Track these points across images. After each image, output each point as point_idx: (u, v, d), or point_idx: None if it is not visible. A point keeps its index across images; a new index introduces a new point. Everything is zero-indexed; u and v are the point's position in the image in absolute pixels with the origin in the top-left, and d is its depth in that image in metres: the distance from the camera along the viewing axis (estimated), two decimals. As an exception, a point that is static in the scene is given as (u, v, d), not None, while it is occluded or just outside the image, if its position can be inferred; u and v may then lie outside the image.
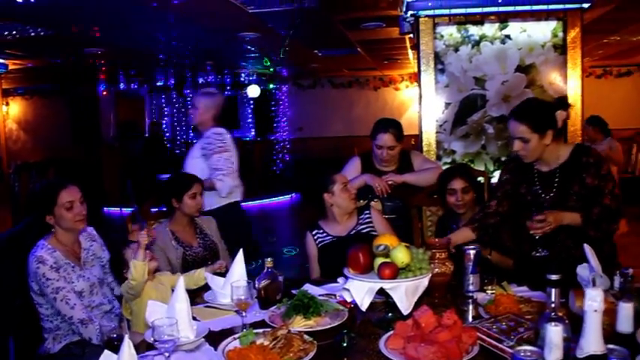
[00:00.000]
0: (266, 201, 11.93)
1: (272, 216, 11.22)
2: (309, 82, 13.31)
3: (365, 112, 13.26)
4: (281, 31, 6.98)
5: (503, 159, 5.11)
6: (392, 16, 6.30)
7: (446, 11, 4.94)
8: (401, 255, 2.10)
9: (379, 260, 2.14)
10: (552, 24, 4.97)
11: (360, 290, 2.11)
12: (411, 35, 5.86)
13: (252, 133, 13.00)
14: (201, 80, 12.07)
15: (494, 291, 2.42)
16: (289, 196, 12.60)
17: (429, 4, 4.89)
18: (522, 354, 1.29)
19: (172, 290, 2.34)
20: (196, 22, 6.49)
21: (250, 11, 5.99)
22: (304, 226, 3.42)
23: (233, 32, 7.17)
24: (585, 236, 2.60)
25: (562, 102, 2.85)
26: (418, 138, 5.16)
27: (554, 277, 1.43)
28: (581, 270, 2.28)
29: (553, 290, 1.43)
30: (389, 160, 3.70)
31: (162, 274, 2.83)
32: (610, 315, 1.69)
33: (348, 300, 2.27)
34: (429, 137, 5.12)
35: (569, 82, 5.00)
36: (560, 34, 4.98)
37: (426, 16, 4.99)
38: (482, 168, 4.94)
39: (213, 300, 2.55)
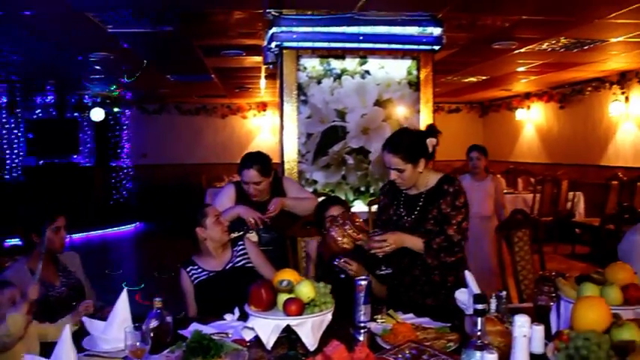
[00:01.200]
0: (108, 231, 11.34)
1: (114, 247, 10.65)
2: (156, 106, 12.92)
3: (212, 140, 13.16)
4: (138, 53, 6.72)
5: (362, 189, 5.30)
6: (252, 45, 6.33)
7: (309, 44, 5.07)
8: (306, 290, 2.08)
9: (283, 296, 2.09)
10: (408, 62, 5.30)
11: (265, 328, 2.05)
12: (271, 66, 5.92)
13: (93, 159, 12.26)
14: (39, 100, 11.20)
15: (384, 320, 2.48)
16: (133, 225, 12.09)
17: (294, 36, 4.99)
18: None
19: (39, 340, 2.17)
20: (46, 37, 6.02)
21: (109, 31, 5.70)
22: (152, 256, 3.26)
23: (85, 51, 6.77)
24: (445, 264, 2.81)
25: (432, 130, 3.00)
26: (280, 168, 5.18)
27: (480, 306, 1.50)
28: (460, 294, 2.39)
29: (479, 319, 1.50)
30: (257, 194, 3.65)
31: None
32: (504, 336, 1.82)
33: (247, 338, 2.19)
34: (291, 167, 5.17)
35: (422, 117, 5.33)
36: (415, 72, 5.31)
37: (290, 47, 5.07)
38: (342, 198, 5.06)
39: (93, 347, 2.30)
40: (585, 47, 6.87)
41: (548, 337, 1.75)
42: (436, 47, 5.30)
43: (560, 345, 1.48)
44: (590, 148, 10.18)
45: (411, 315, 2.62)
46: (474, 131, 14.36)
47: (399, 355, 1.95)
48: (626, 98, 9.11)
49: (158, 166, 12.85)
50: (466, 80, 9.97)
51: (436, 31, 5.21)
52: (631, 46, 6.90)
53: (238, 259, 3.18)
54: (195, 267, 3.14)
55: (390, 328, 2.31)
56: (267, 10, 4.92)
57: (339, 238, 2.75)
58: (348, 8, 4.91)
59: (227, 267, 3.15)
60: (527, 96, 12.03)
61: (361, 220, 2.83)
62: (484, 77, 9.64)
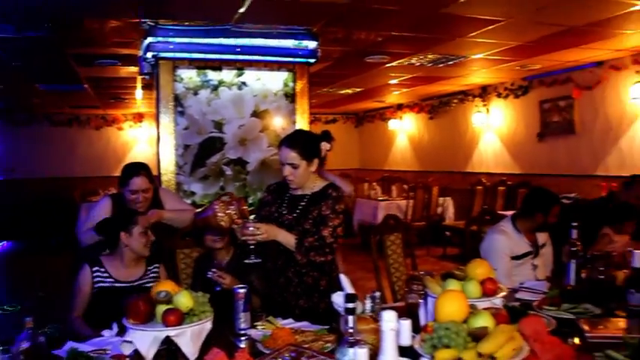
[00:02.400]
0: (-30, 251, 10.51)
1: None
2: (25, 117, 12.14)
3: (86, 153, 12.57)
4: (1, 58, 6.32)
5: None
6: (128, 55, 6.17)
7: (186, 55, 5.04)
8: (184, 300, 2.09)
9: (162, 307, 2.08)
10: (284, 74, 5.41)
11: (144, 341, 2.03)
12: (147, 77, 5.81)
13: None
14: None
15: (264, 326, 2.53)
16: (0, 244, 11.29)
17: (170, 46, 4.94)
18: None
19: None
20: None
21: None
22: (23, 276, 3.10)
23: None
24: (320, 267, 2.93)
25: (326, 135, 3.13)
26: (157, 179, 5.09)
27: (350, 305, 1.60)
28: (337, 297, 2.50)
29: (350, 317, 1.60)
30: (145, 203, 3.58)
31: None
32: (377, 334, 1.93)
33: (126, 353, 2.16)
34: (169, 179, 5.09)
35: (298, 128, 5.44)
36: (291, 84, 5.42)
37: (167, 58, 5.02)
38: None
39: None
40: (450, 62, 7.36)
41: (419, 331, 1.89)
42: (311, 60, 5.44)
43: (426, 336, 1.61)
44: (456, 156, 10.87)
45: (290, 320, 2.69)
46: (350, 141, 14.82)
47: (279, 358, 2.01)
48: (487, 110, 9.84)
49: (28, 180, 12.08)
50: (342, 92, 10.30)
51: (311, 44, 5.36)
52: (489, 63, 7.48)
53: (149, 280, 3.11)
54: (102, 270, 3.05)
55: (269, 333, 2.36)
56: (143, 20, 4.84)
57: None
58: (225, 20, 4.93)
59: (135, 283, 3.07)
60: (400, 107, 12.61)
61: (247, 209, 2.88)
62: (359, 89, 10.00)
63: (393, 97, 11.45)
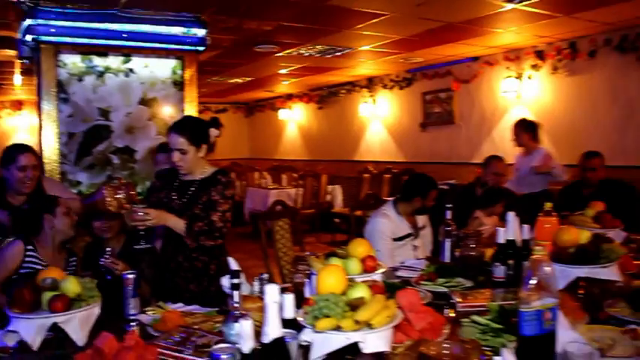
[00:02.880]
0: None
1: None
2: None
3: (-42, 142, 11.74)
4: None
5: (130, 190, 5.22)
6: (5, 37, 5.83)
7: (69, 39, 4.86)
8: (71, 286, 2.08)
9: (48, 294, 2.06)
10: (172, 62, 5.35)
11: (29, 329, 2.00)
12: (27, 61, 5.54)
13: None
14: None
15: (154, 311, 2.55)
16: None
17: (52, 30, 4.74)
18: (220, 351, 1.48)
19: None
20: None
21: None
22: None
23: None
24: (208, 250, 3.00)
25: (214, 121, 3.16)
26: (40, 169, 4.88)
27: (235, 280, 1.69)
28: (225, 280, 2.58)
29: (235, 292, 1.69)
30: (32, 182, 3.47)
31: None
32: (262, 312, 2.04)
33: (10, 344, 2.11)
34: (53, 168, 4.91)
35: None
36: (179, 72, 5.38)
37: (49, 42, 4.81)
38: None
39: None
40: (337, 54, 7.57)
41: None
42: (200, 48, 5.41)
43: (308, 308, 1.72)
44: (345, 145, 11.19)
45: (180, 304, 2.73)
46: (240, 131, 14.83)
47: (169, 340, 2.05)
48: (374, 100, 10.21)
49: None
50: (232, 81, 10.28)
51: (200, 32, 5.34)
52: (376, 55, 7.77)
53: (69, 271, 3.02)
54: (34, 252, 3.00)
55: (159, 317, 2.40)
56: (22, 0, 4.61)
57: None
58: (111, 4, 4.80)
59: None
60: (289, 97, 12.77)
61: (136, 195, 2.89)
62: (249, 78, 10.03)
63: (283, 87, 11.58)
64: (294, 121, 12.97)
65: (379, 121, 10.22)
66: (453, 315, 2.39)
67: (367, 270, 2.37)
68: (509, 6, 5.20)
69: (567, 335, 1.76)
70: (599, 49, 6.53)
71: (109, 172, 5.14)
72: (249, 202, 9.96)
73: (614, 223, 3.34)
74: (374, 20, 5.69)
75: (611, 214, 3.52)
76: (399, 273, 3.28)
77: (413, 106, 9.40)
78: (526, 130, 5.81)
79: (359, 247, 2.45)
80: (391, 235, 3.84)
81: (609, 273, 2.39)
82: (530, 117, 7.38)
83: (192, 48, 5.38)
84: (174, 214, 2.94)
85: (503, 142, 7.83)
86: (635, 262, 3.16)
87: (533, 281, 1.71)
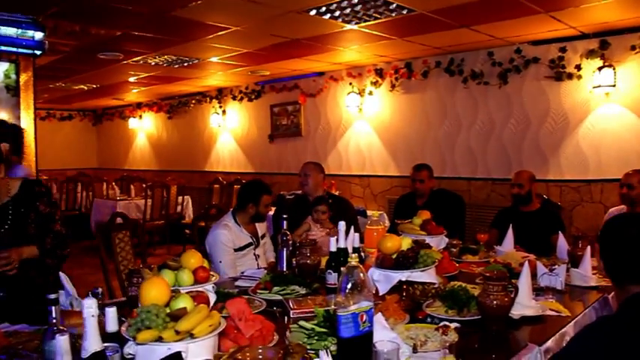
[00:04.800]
0: None
1: None
2: None
3: None
4: None
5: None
6: None
7: None
8: None
9: None
10: (5, 65, 5.03)
11: None
12: None
13: None
14: None
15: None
16: None
17: None
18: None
19: None
20: None
21: None
22: None
23: None
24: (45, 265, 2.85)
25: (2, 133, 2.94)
26: None
27: (52, 296, 1.67)
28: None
29: (53, 308, 1.66)
30: None
31: None
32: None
33: None
34: None
35: (22, 123, 5.13)
36: (13, 76, 5.07)
37: None
38: None
39: None
40: (185, 64, 7.51)
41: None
42: (38, 52, 5.14)
43: (131, 321, 1.73)
44: (195, 156, 11.11)
45: (6, 324, 2.59)
46: (87, 139, 14.20)
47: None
48: (224, 112, 10.23)
49: None
50: (77, 87, 9.80)
51: (38, 34, 5.07)
52: (224, 67, 7.81)
53: None
54: None
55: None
56: None
57: None
58: None
59: None
60: (139, 106, 12.42)
61: None
62: (94, 85, 9.63)
63: (133, 96, 11.24)
64: (144, 130, 12.62)
65: (228, 132, 10.27)
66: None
67: (199, 281, 2.42)
68: (349, 27, 5.50)
69: (384, 335, 1.91)
70: (431, 70, 7.09)
71: None
72: (96, 214, 9.52)
73: (438, 230, 3.63)
74: (220, 33, 5.73)
75: (442, 220, 3.85)
76: (238, 283, 3.34)
77: (261, 118, 9.55)
78: None
79: (191, 259, 2.49)
80: (232, 246, 3.88)
81: (427, 276, 2.63)
82: (370, 131, 7.85)
83: (29, 51, 5.09)
84: (4, 245, 2.71)
85: (347, 155, 8.21)
86: (456, 265, 3.51)
87: (349, 286, 1.85)
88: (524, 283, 2.53)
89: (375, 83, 7.72)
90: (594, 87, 5.75)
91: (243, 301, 2.25)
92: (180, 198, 9.69)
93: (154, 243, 9.39)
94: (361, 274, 1.87)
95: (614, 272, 1.88)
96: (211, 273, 2.55)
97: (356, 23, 5.40)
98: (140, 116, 12.56)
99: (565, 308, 2.57)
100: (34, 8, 4.86)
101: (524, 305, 2.47)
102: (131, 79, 8.97)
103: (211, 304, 2.44)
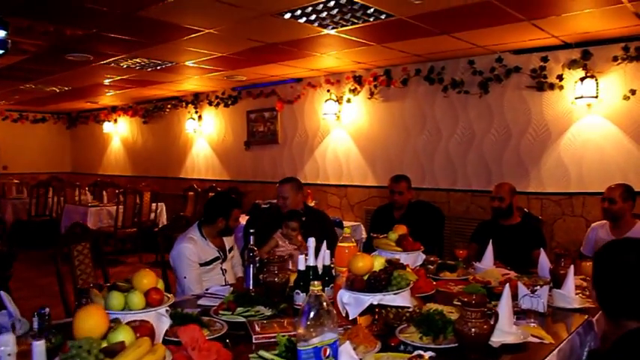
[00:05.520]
0: None
1: None
2: None
3: None
4: None
5: None
6: None
7: None
8: None
9: None
10: (-38, 66, 4.78)
11: None
12: None
13: None
14: None
15: None
16: None
17: None
18: None
19: None
20: None
21: None
22: None
23: None
24: None
25: None
26: None
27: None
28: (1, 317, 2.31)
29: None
30: None
31: None
32: (27, 356, 1.79)
33: None
34: None
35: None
36: (-29, 77, 4.83)
37: None
38: None
39: None
40: (159, 68, 7.28)
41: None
42: (0, 51, 4.90)
43: (62, 355, 1.52)
44: (170, 162, 10.86)
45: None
46: (61, 143, 13.93)
47: None
48: (200, 117, 10.00)
49: None
50: (48, 89, 9.50)
51: (0, 33, 4.82)
52: (200, 71, 7.59)
53: None
54: None
55: None
56: None
57: None
58: None
59: None
60: (114, 109, 12.13)
61: None
62: (66, 88, 9.35)
63: (107, 99, 10.96)
64: (119, 134, 12.33)
65: (204, 138, 10.04)
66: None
67: (151, 303, 2.22)
68: (326, 32, 5.32)
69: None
70: (411, 77, 6.93)
71: None
72: (66, 220, 9.25)
73: (414, 246, 3.47)
74: (193, 35, 5.52)
75: (420, 234, 3.69)
76: (201, 301, 3.13)
77: (238, 125, 9.34)
78: None
79: (144, 279, 2.28)
80: (198, 260, 3.68)
81: (400, 299, 2.43)
82: (348, 139, 7.68)
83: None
84: None
85: (324, 163, 8.02)
86: (432, 284, 3.31)
87: (311, 316, 1.67)
88: (504, 307, 2.35)
89: (353, 90, 7.55)
90: (576, 98, 5.62)
91: (196, 329, 2.04)
92: (154, 205, 9.43)
93: (126, 251, 9.11)
94: (325, 304, 1.68)
95: (609, 304, 1.69)
96: (166, 295, 2.35)
97: (333, 28, 5.22)
98: (115, 120, 12.27)
99: (547, 334, 2.39)
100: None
101: (505, 332, 2.29)
102: (105, 82, 8.69)
103: (164, 330, 2.25)
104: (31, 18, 5.03)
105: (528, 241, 4.36)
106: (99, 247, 4.06)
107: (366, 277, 2.45)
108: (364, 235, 6.84)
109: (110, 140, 12.64)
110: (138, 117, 11.55)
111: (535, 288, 2.78)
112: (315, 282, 1.70)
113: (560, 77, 5.77)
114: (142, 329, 1.72)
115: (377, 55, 6.46)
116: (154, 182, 10.36)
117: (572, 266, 3.05)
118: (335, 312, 1.72)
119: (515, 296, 2.71)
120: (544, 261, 3.51)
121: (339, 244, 2.88)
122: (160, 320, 2.26)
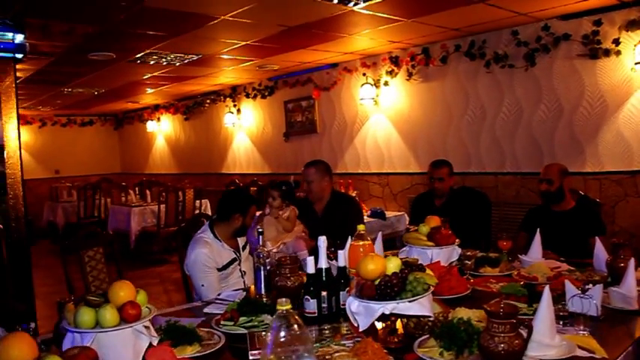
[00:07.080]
0: None
1: None
2: None
3: None
4: None
5: None
6: None
7: None
8: None
9: None
10: (-21, 71, 4.65)
11: None
12: None
13: None
14: None
15: None
16: None
17: None
18: None
19: None
20: None
21: None
22: None
23: None
24: None
25: None
26: None
27: None
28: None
29: None
30: None
31: None
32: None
33: None
34: None
35: (7, 132, 4.74)
36: (-10, 82, 4.68)
37: None
38: None
39: None
40: (186, 61, 7.02)
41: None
42: (18, 55, 4.73)
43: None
44: (212, 158, 10.70)
45: None
46: (110, 144, 14.09)
47: None
48: (238, 110, 9.76)
49: None
50: (84, 91, 9.44)
51: (18, 37, 4.66)
52: (232, 62, 7.33)
53: None
54: None
55: None
56: None
57: None
58: None
59: None
60: (156, 108, 12.09)
61: None
62: (102, 90, 9.30)
63: (149, 98, 10.90)
64: (162, 133, 12.29)
65: (244, 132, 9.81)
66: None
67: (127, 319, 1.94)
68: (353, 7, 4.90)
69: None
70: (450, 54, 6.44)
71: None
72: (113, 221, 9.26)
73: (448, 239, 3.10)
74: (211, 23, 5.22)
75: (464, 224, 3.34)
76: (208, 309, 2.85)
77: (276, 116, 9.06)
78: None
79: (120, 291, 2.00)
80: (215, 265, 3.37)
81: (417, 307, 2.06)
82: (387, 124, 7.26)
83: (9, 55, 4.69)
84: None
85: (364, 152, 7.63)
86: (467, 283, 2.90)
87: (281, 340, 1.33)
88: (544, 314, 1.94)
89: (390, 72, 7.10)
90: (636, 63, 4.99)
91: (167, 350, 1.75)
92: (197, 202, 9.26)
93: (170, 250, 8.98)
94: (296, 326, 1.34)
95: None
96: (147, 306, 2.07)
97: (355, 4, 4.81)
98: (158, 119, 12.23)
99: (600, 347, 1.96)
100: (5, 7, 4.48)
101: (544, 345, 1.89)
102: (143, 79, 8.49)
103: (143, 348, 1.96)
104: (43, 17, 4.87)
105: (584, 228, 3.90)
106: (114, 251, 3.84)
107: (377, 282, 2.09)
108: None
109: (154, 139, 12.62)
110: (179, 114, 11.45)
111: (587, 287, 2.33)
112: (283, 299, 1.36)
113: (616, 42, 5.16)
114: (82, 358, 1.42)
115: (412, 32, 6.01)
116: (197, 179, 10.23)
117: (632, 259, 2.59)
118: (308, 331, 1.37)
119: (562, 296, 2.30)
120: (600, 251, 3.04)
121: (353, 242, 2.52)
122: (138, 338, 1.98)
